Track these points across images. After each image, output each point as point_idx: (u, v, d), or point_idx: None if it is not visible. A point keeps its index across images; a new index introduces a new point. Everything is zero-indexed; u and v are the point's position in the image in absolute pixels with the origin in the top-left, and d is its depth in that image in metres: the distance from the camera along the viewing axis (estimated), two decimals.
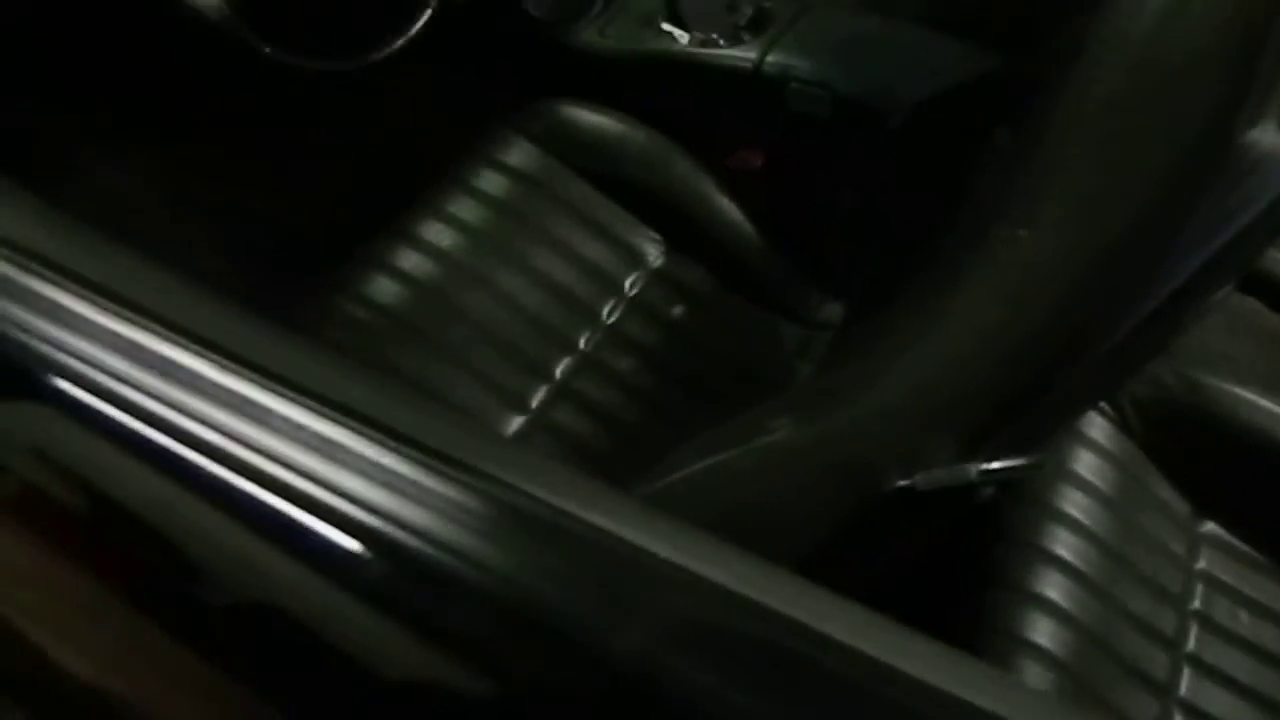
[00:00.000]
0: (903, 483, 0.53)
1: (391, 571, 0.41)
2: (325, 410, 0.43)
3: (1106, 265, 0.47)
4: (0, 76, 1.09)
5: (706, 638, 0.38)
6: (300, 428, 0.42)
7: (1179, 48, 0.43)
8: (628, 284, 1.12)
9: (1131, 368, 0.65)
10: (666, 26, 1.18)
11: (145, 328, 0.47)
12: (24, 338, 0.47)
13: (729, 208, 1.15)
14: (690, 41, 1.17)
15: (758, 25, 1.16)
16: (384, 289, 1.05)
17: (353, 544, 0.41)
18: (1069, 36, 0.54)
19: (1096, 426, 0.99)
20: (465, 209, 1.11)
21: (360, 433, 0.42)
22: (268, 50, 0.96)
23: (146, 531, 0.46)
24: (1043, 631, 0.86)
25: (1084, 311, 0.49)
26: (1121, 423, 1.00)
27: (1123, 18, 0.46)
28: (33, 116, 1.11)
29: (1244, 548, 0.97)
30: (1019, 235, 0.50)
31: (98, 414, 0.46)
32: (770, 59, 1.12)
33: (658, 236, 1.15)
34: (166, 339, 0.46)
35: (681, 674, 0.37)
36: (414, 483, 0.41)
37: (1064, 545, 0.91)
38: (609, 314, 1.10)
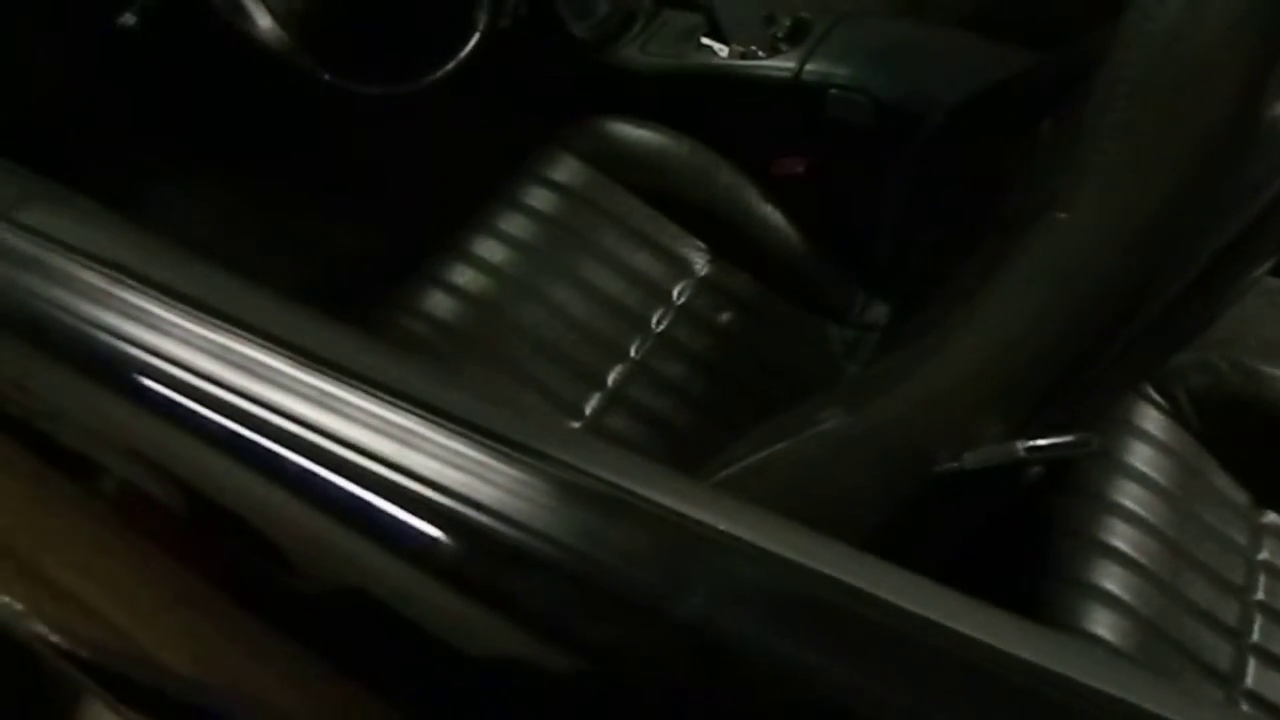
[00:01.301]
0: (952, 464, 0.54)
1: (466, 550, 0.43)
2: (397, 401, 0.46)
3: (1143, 243, 0.49)
4: (70, 113, 1.15)
5: (763, 601, 0.40)
6: (375, 416, 0.45)
7: (1205, 31, 0.45)
8: (676, 292, 1.15)
9: (1173, 345, 0.66)
10: (706, 41, 1.21)
11: (228, 331, 0.50)
12: (116, 343, 0.51)
13: (773, 215, 1.17)
14: (730, 55, 1.19)
15: (795, 36, 1.18)
16: (441, 304, 1.09)
17: (429, 526, 0.44)
18: (1101, 30, 0.56)
19: (1150, 419, 0.98)
20: (516, 225, 1.14)
21: (430, 420, 0.45)
22: (327, 77, 1.00)
23: (238, 524, 0.49)
24: (1103, 623, 0.86)
25: (1123, 288, 0.50)
26: (1176, 414, 0.99)
27: (1151, 4, 0.47)
28: (100, 152, 1.16)
29: None
30: (1058, 219, 0.51)
31: (186, 412, 0.49)
32: (809, 68, 1.14)
33: (703, 245, 1.17)
34: (248, 340, 0.50)
35: (743, 635, 0.39)
36: (483, 464, 0.43)
37: (1121, 537, 0.91)
38: (658, 322, 1.13)
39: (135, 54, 1.09)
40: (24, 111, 0.95)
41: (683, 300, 1.14)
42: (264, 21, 0.96)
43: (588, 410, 1.06)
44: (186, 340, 0.50)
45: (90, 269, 0.52)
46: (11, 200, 0.56)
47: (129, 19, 1.00)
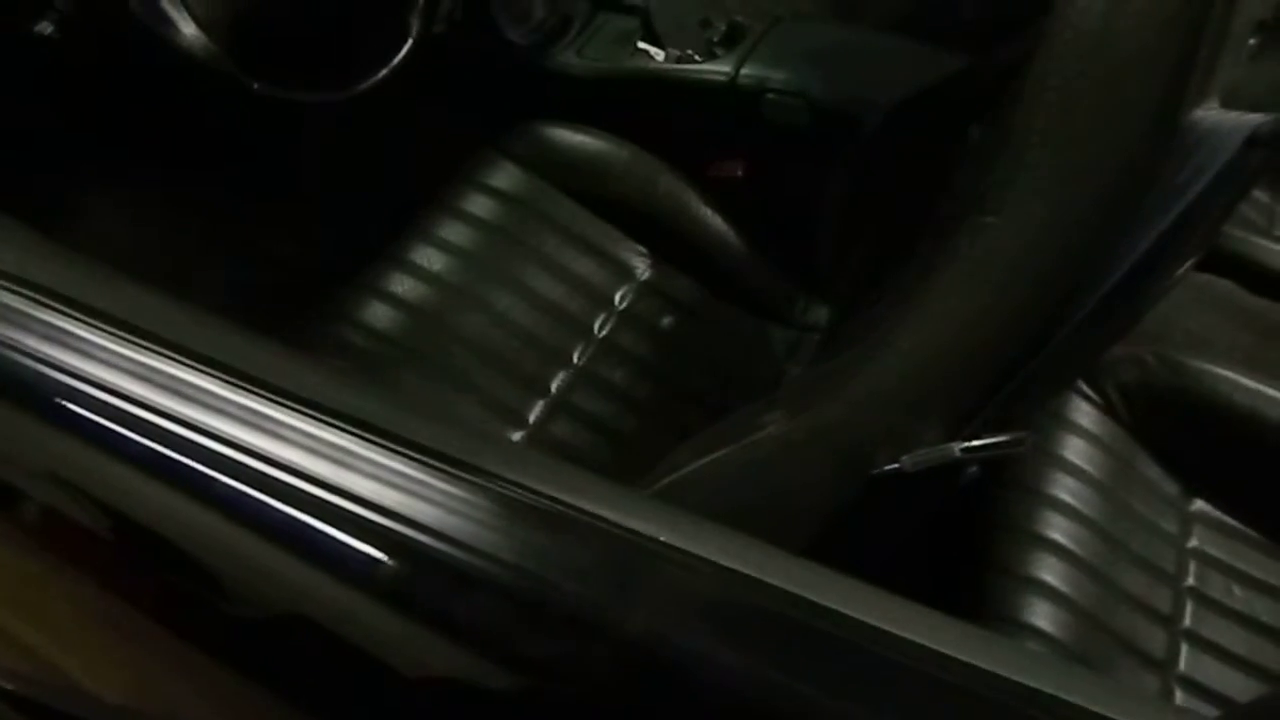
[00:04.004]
0: (891, 466, 0.55)
1: (406, 571, 0.43)
2: (332, 420, 0.45)
3: (1071, 244, 0.50)
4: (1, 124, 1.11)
5: (707, 612, 0.40)
6: (309, 437, 0.44)
7: (1125, 38, 0.46)
8: (618, 297, 1.14)
9: (1103, 343, 0.67)
10: (642, 45, 1.21)
11: (154, 352, 0.49)
12: (36, 366, 0.49)
13: (712, 218, 1.17)
14: (666, 59, 1.20)
15: (731, 40, 1.19)
16: (379, 314, 1.07)
17: (368, 548, 0.43)
18: (1027, 35, 0.57)
19: (1083, 413, 1.01)
20: (454, 232, 1.13)
21: (367, 440, 0.44)
22: (256, 86, 0.98)
23: (170, 550, 0.47)
24: (1040, 614, 0.88)
25: (1053, 288, 0.51)
26: (1108, 407, 1.02)
27: (1073, 13, 0.48)
28: (29, 163, 1.13)
29: (1234, 523, 0.99)
30: (987, 222, 0.52)
31: (113, 435, 0.47)
32: (745, 71, 1.14)
33: (644, 249, 1.17)
34: (175, 361, 0.48)
35: (688, 648, 0.39)
36: (422, 483, 0.43)
37: (1057, 529, 0.93)
38: (601, 327, 1.12)
39: (56, 63, 1.06)
40: None
41: (625, 305, 1.14)
42: (188, 29, 0.94)
43: (531, 418, 1.05)
44: (110, 362, 0.48)
45: (12, 293, 0.51)
46: None
47: (46, 27, 0.97)
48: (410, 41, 1.07)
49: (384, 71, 1.06)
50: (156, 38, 0.93)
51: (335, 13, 1.08)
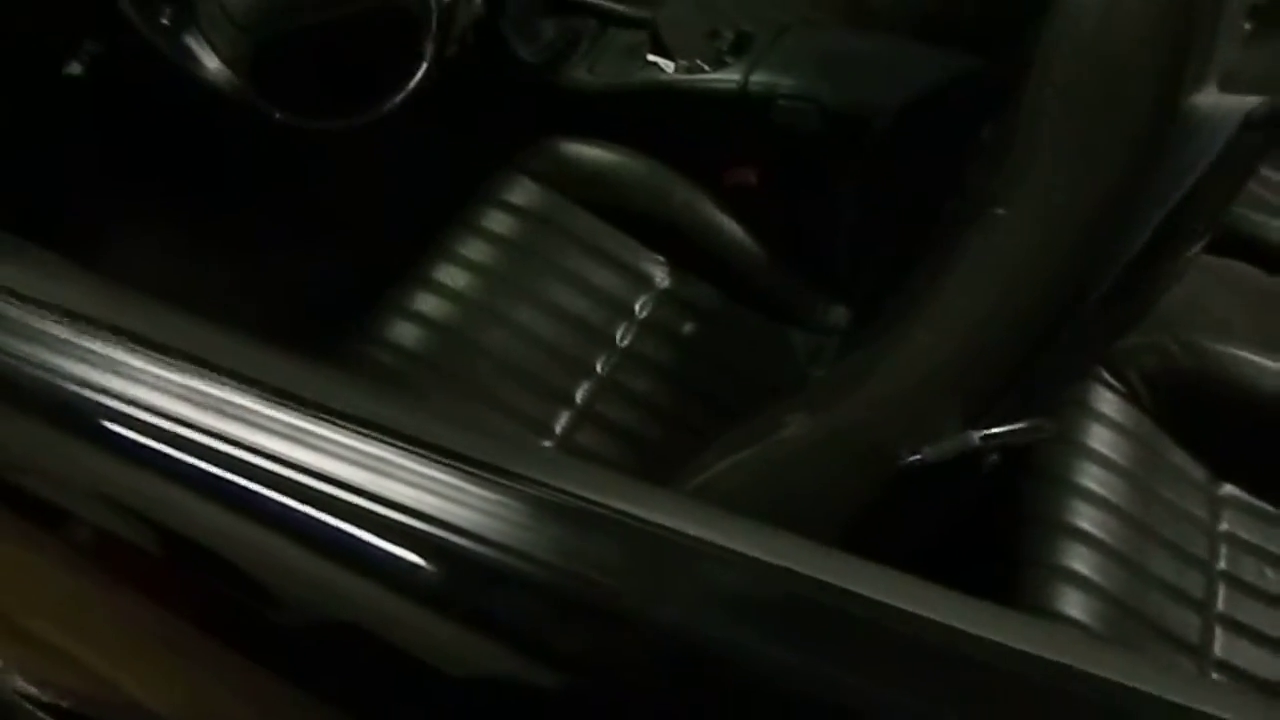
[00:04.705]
0: (913, 458, 0.56)
1: (446, 573, 0.44)
2: (369, 431, 0.47)
3: (1080, 232, 0.51)
4: (29, 167, 1.15)
5: (740, 602, 0.41)
6: (348, 448, 0.46)
7: (1123, 31, 0.47)
8: (638, 306, 1.16)
9: (1118, 328, 0.68)
10: (651, 58, 1.23)
11: (195, 373, 0.51)
12: (84, 392, 0.51)
13: (729, 225, 1.19)
14: (676, 70, 1.21)
15: (739, 49, 1.21)
16: (406, 333, 1.10)
17: (409, 553, 0.45)
18: (1030, 33, 0.58)
19: (1106, 401, 1.01)
20: (476, 250, 1.15)
21: (404, 448, 0.46)
22: (278, 115, 1.00)
23: (218, 563, 0.49)
24: (1072, 603, 0.88)
25: (1065, 277, 0.52)
26: (1131, 395, 1.02)
27: (1071, 9, 0.50)
28: (62, 200, 1.16)
29: (1264, 506, 0.99)
30: (1000, 216, 0.54)
31: (160, 455, 0.49)
32: (755, 79, 1.16)
33: (662, 259, 1.18)
34: (216, 380, 0.50)
35: (722, 638, 0.40)
36: (458, 489, 0.44)
37: (1086, 519, 0.93)
38: (622, 337, 1.14)
39: (87, 103, 1.09)
40: None
41: (646, 314, 1.16)
42: (212, 64, 0.96)
43: (558, 429, 1.07)
44: (156, 385, 0.50)
45: (58, 322, 0.53)
46: None
47: (75, 68, 1.00)
48: (425, 65, 1.09)
49: (401, 95, 1.08)
50: (183, 74, 0.95)
51: (352, 41, 1.10)
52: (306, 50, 1.06)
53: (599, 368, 1.11)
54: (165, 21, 0.95)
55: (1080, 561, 0.91)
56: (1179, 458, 1.01)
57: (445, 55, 1.14)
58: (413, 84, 1.09)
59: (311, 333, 1.09)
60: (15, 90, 1.05)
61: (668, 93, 1.21)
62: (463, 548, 0.43)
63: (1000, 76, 0.92)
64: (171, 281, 1.22)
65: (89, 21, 0.99)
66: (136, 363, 0.52)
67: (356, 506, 0.45)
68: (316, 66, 1.09)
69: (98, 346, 0.52)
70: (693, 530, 0.42)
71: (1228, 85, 0.52)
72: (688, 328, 1.16)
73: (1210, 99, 0.51)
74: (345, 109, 1.08)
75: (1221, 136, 0.49)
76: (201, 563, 0.50)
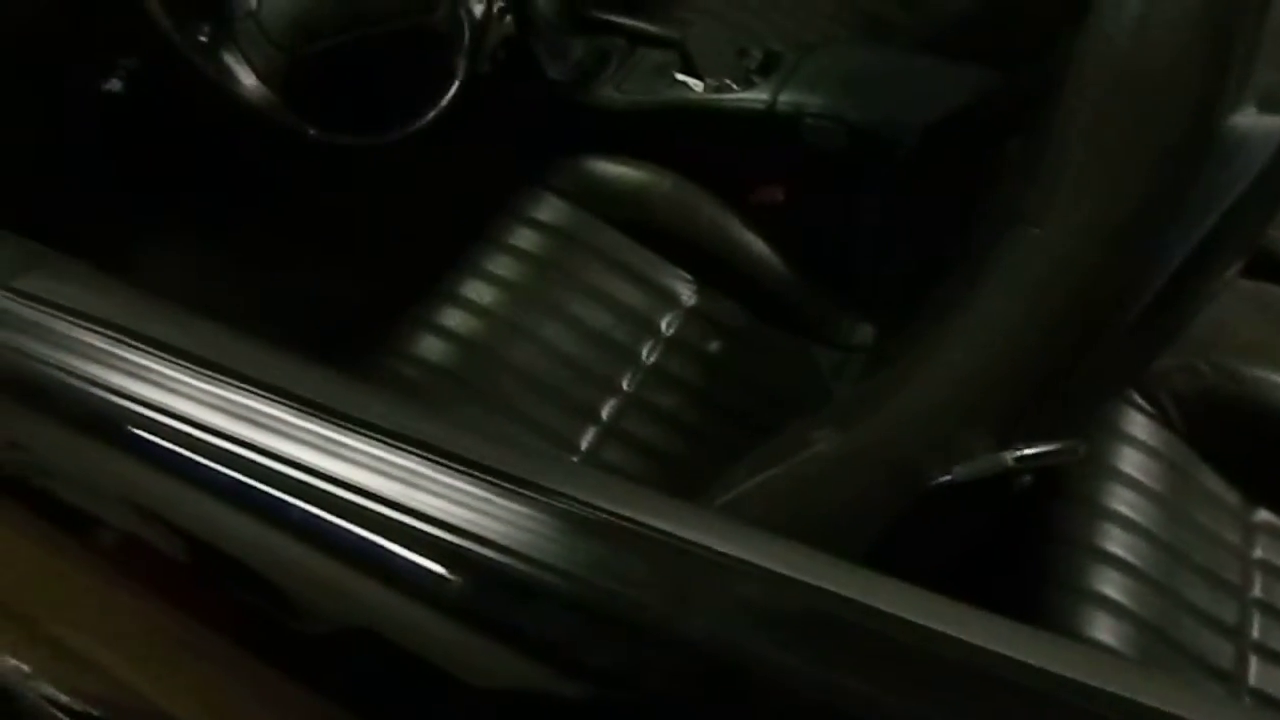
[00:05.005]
0: (943, 478, 0.56)
1: (473, 585, 0.44)
2: (398, 443, 0.47)
3: (1113, 251, 0.50)
4: (63, 180, 1.17)
5: (767, 617, 0.41)
6: (376, 459, 0.46)
7: (1159, 47, 0.47)
8: (664, 324, 1.16)
9: (1151, 349, 0.67)
10: (680, 77, 1.23)
11: (226, 383, 0.51)
12: (115, 399, 0.52)
13: (755, 242, 1.19)
14: (704, 89, 1.22)
15: (767, 68, 1.21)
16: (432, 348, 1.10)
17: (435, 564, 0.45)
18: (1061, 50, 0.58)
19: (1138, 424, 1.00)
20: (503, 266, 1.16)
21: (432, 460, 0.46)
22: (312, 132, 1.02)
23: (245, 571, 0.49)
24: (1102, 627, 0.87)
25: (1097, 296, 0.52)
26: (1163, 418, 1.01)
27: (1106, 25, 0.49)
28: (98, 213, 1.18)
29: None
30: (1032, 233, 0.53)
31: (188, 463, 0.50)
32: (783, 98, 1.16)
33: (689, 276, 1.19)
34: (246, 390, 0.51)
35: (750, 652, 0.40)
36: (486, 501, 0.44)
37: (1116, 542, 0.92)
38: (649, 354, 1.14)
39: (124, 118, 1.11)
40: (18, 181, 0.97)
41: (671, 331, 1.16)
42: (249, 80, 0.98)
43: (583, 445, 1.07)
44: (187, 394, 0.51)
45: (91, 331, 0.54)
46: (11, 269, 0.57)
47: (115, 84, 1.02)
48: (457, 83, 1.11)
49: (433, 113, 1.09)
50: (220, 91, 0.97)
51: (385, 59, 1.12)
52: (341, 68, 1.07)
53: (625, 384, 1.11)
54: (203, 39, 0.97)
55: (1111, 586, 0.89)
56: (1212, 482, 1.00)
57: (477, 73, 1.15)
58: (445, 101, 1.10)
59: (336, 347, 1.10)
60: (59, 105, 1.07)
61: (696, 111, 1.22)
62: (491, 560, 0.43)
63: (1023, 93, 0.92)
64: (202, 293, 1.24)
65: (128, 39, 1.01)
66: (167, 371, 0.52)
67: (385, 517, 0.45)
68: (350, 84, 1.10)
69: (127, 354, 0.53)
70: (719, 546, 0.42)
71: (1267, 106, 0.52)
72: (714, 345, 1.16)
73: (1249, 119, 0.50)
74: (378, 126, 1.09)
75: (1260, 158, 0.48)
76: (230, 571, 0.50)
